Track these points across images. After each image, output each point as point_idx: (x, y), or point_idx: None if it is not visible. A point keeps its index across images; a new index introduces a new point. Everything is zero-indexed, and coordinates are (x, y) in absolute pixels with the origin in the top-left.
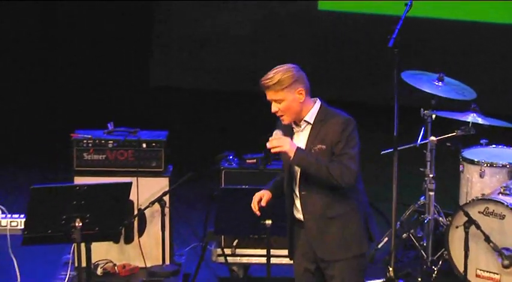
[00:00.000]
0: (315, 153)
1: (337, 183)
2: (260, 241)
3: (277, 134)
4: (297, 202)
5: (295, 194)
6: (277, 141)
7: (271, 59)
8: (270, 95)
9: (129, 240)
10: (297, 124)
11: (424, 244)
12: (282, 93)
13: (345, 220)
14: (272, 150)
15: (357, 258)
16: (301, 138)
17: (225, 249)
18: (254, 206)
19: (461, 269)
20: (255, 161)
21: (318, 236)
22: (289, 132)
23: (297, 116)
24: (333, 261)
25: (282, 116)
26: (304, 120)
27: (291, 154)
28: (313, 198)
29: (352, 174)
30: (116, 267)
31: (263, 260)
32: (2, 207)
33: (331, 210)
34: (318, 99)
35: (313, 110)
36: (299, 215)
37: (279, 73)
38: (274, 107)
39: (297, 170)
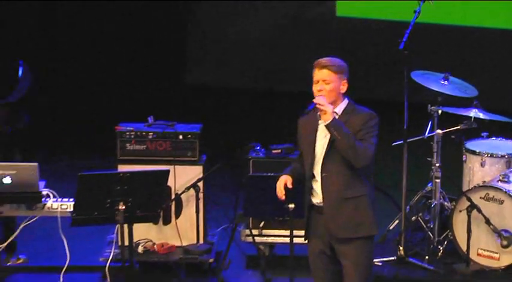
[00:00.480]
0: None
1: (355, 158)
2: (284, 223)
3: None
4: (316, 186)
5: (315, 177)
6: (324, 102)
7: (293, 61)
8: (322, 74)
9: (167, 221)
10: (320, 105)
11: (431, 226)
12: (334, 76)
13: (358, 202)
14: (317, 106)
15: (366, 239)
16: (325, 131)
17: (252, 230)
18: (281, 191)
19: (464, 248)
20: (279, 151)
21: (334, 215)
22: (313, 124)
23: (332, 101)
24: (345, 240)
25: (322, 95)
26: (333, 111)
27: (330, 117)
28: (332, 180)
29: (368, 156)
30: (155, 246)
31: (287, 239)
32: (53, 192)
33: (347, 192)
34: (346, 98)
35: (341, 105)
36: (316, 199)
37: (337, 60)
38: (320, 86)
39: (320, 154)
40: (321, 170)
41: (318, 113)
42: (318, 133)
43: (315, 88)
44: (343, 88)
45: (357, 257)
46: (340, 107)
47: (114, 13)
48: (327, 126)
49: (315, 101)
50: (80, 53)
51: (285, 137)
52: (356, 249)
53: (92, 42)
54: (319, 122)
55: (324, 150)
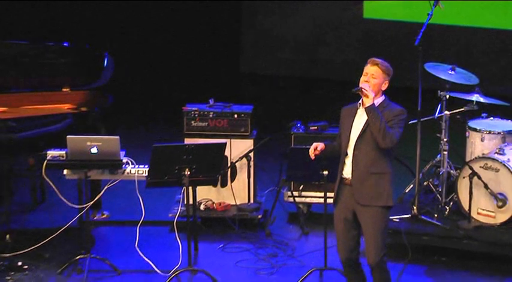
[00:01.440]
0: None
1: (382, 140)
2: (319, 186)
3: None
4: (347, 162)
5: (348, 155)
6: (368, 89)
7: (329, 54)
8: (371, 70)
9: (224, 184)
10: (365, 91)
11: (440, 190)
12: (381, 74)
13: (380, 177)
14: (362, 90)
15: (384, 208)
16: (364, 117)
17: (293, 192)
18: (311, 152)
19: (466, 208)
20: (316, 127)
21: (359, 186)
22: (352, 113)
23: (374, 90)
24: (366, 207)
25: (368, 82)
26: (373, 98)
27: (371, 101)
28: (361, 157)
29: (393, 140)
30: (214, 204)
31: (321, 200)
32: (131, 160)
33: (372, 168)
34: (384, 95)
35: (379, 99)
36: (346, 173)
37: (387, 63)
38: (367, 78)
39: (354, 136)
40: (354, 148)
41: (359, 102)
42: (355, 119)
43: (363, 79)
44: (384, 86)
45: (374, 222)
46: (378, 101)
47: (183, 12)
48: (366, 108)
49: (361, 85)
50: (155, 46)
51: (320, 116)
52: (374, 216)
53: (164, 37)
54: (358, 110)
55: (358, 133)
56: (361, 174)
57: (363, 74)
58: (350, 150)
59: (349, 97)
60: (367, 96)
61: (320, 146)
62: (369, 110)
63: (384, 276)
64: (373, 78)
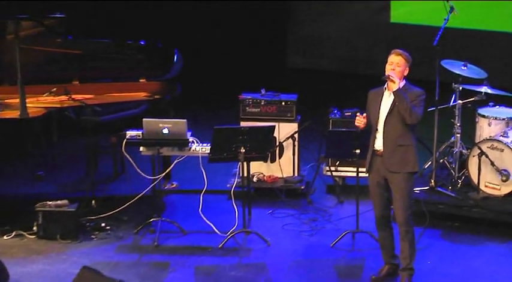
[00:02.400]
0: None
1: (409, 117)
2: (352, 162)
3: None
4: (378, 136)
5: (378, 130)
6: (395, 76)
7: (359, 52)
8: (396, 59)
9: (273, 160)
10: (392, 78)
11: (453, 166)
12: (404, 62)
13: (406, 148)
14: (389, 76)
15: (410, 174)
16: (391, 98)
17: (331, 167)
18: (360, 121)
19: (475, 182)
20: (350, 113)
21: (390, 156)
22: (379, 95)
23: (392, 85)
24: (396, 173)
25: (394, 70)
26: (391, 89)
27: (396, 86)
28: (390, 132)
29: (418, 116)
30: (264, 177)
31: (354, 174)
32: (196, 139)
33: (400, 140)
34: (405, 79)
35: (401, 83)
36: (377, 145)
37: (408, 53)
38: (393, 66)
39: (383, 114)
40: (384, 125)
41: (385, 87)
42: (383, 101)
43: (389, 67)
44: (406, 72)
45: (402, 185)
46: (401, 84)
47: (237, 12)
48: (394, 92)
49: (388, 73)
50: (214, 44)
51: (353, 104)
52: (402, 180)
53: (222, 36)
54: (384, 93)
55: (387, 112)
56: (390, 146)
57: (388, 62)
58: (380, 127)
59: (377, 86)
60: (393, 82)
61: (363, 117)
62: (396, 93)
63: (410, 232)
64: (398, 67)
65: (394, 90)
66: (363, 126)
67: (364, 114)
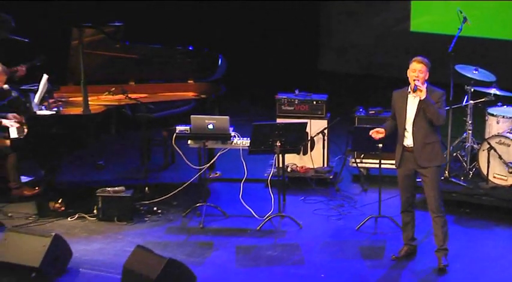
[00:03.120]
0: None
1: (436, 120)
2: (376, 155)
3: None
4: (407, 135)
5: (407, 129)
6: (421, 85)
7: (383, 58)
8: (418, 66)
9: (305, 153)
10: (419, 87)
11: (465, 159)
12: (425, 69)
13: (433, 145)
14: (418, 87)
15: (438, 167)
16: (414, 102)
17: (356, 159)
18: (375, 133)
19: (485, 173)
20: (374, 111)
21: (419, 152)
22: (403, 96)
23: (422, 83)
24: (426, 168)
25: (419, 80)
26: (416, 92)
27: (424, 94)
28: (419, 131)
29: (444, 118)
30: (297, 167)
31: (377, 165)
32: (237, 134)
33: (427, 138)
34: (426, 82)
35: (424, 86)
36: (408, 143)
37: (427, 60)
38: (416, 74)
39: (410, 115)
40: (412, 125)
41: (408, 90)
42: (408, 103)
43: (412, 75)
44: (426, 77)
45: (433, 178)
46: (425, 86)
47: (277, 23)
48: (422, 100)
49: (416, 84)
50: (252, 48)
51: (377, 103)
52: (432, 173)
53: (259, 41)
54: (409, 95)
55: (414, 114)
56: (419, 145)
57: (411, 70)
58: (409, 127)
59: (399, 87)
60: (421, 91)
61: (381, 131)
62: (425, 101)
63: (442, 217)
64: (420, 73)
65: (423, 98)
66: (381, 137)
67: (383, 129)
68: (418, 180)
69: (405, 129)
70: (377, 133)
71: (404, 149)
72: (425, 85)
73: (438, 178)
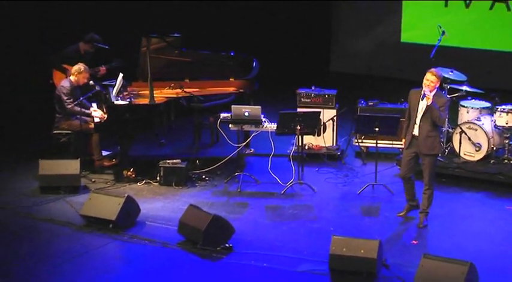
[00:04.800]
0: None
1: (438, 121)
2: (373, 137)
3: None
4: (416, 127)
5: (417, 123)
6: (429, 93)
7: (380, 62)
8: (430, 77)
9: (319, 135)
10: (427, 95)
11: (443, 140)
12: (435, 79)
13: (433, 138)
14: (426, 94)
15: (436, 155)
16: (424, 102)
17: (358, 140)
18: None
19: (458, 151)
20: (372, 103)
21: (422, 142)
22: (418, 96)
23: (432, 91)
24: (426, 155)
25: (429, 85)
26: (429, 95)
27: (431, 101)
28: (423, 126)
29: (443, 121)
30: (313, 146)
31: (374, 144)
32: (267, 119)
33: (430, 132)
34: (437, 88)
35: (434, 91)
36: (416, 132)
37: (440, 72)
38: (428, 82)
39: (420, 113)
40: (420, 120)
41: (421, 95)
42: (420, 103)
43: (426, 82)
44: (438, 84)
45: (430, 162)
46: (433, 92)
47: (297, 32)
48: (429, 105)
49: (425, 92)
50: (278, 53)
51: (375, 97)
52: (430, 159)
53: (284, 46)
54: (421, 97)
55: (422, 113)
56: (423, 136)
57: (425, 78)
58: (418, 121)
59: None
60: (428, 98)
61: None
62: (430, 107)
63: (430, 189)
64: (431, 83)
65: (428, 104)
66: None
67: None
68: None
69: (415, 121)
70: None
71: (414, 136)
72: (435, 91)
73: (434, 162)
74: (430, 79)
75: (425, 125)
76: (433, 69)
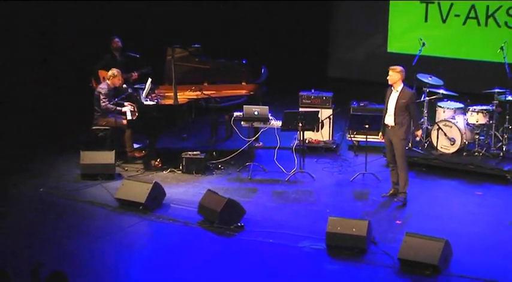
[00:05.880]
0: (402, 104)
1: (415, 123)
2: (364, 132)
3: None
4: (389, 117)
5: (389, 114)
6: (418, 136)
7: (370, 68)
8: (390, 72)
9: (317, 131)
10: (395, 89)
11: (423, 135)
12: (394, 73)
13: (405, 127)
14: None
15: (404, 140)
16: (394, 96)
17: (351, 135)
18: (381, 137)
19: (435, 145)
20: (363, 104)
21: (394, 130)
22: (389, 92)
23: (395, 86)
24: (398, 139)
25: (390, 79)
26: (397, 90)
27: (420, 136)
28: (396, 117)
29: (417, 115)
30: (312, 140)
31: (364, 139)
32: (273, 117)
33: (401, 121)
34: (403, 83)
35: (400, 87)
36: (388, 121)
37: (400, 67)
38: (389, 77)
39: (391, 105)
40: (393, 113)
41: (392, 88)
42: (391, 96)
43: (388, 78)
44: (401, 78)
45: (401, 144)
46: (400, 87)
47: (299, 43)
48: (416, 127)
49: (417, 137)
50: (282, 61)
51: (365, 98)
52: (401, 142)
53: (287, 55)
54: (393, 91)
55: (394, 105)
56: (395, 124)
57: (388, 74)
58: (390, 112)
59: (383, 90)
60: (417, 136)
61: (381, 134)
62: (416, 127)
63: (403, 170)
64: (390, 76)
65: (417, 125)
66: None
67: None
68: None
69: (388, 113)
70: (381, 138)
71: (386, 125)
72: (402, 85)
73: (404, 145)
74: (389, 73)
75: (397, 115)
76: (393, 66)
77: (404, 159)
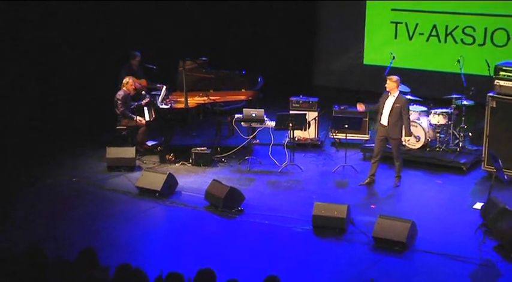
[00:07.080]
0: (396, 107)
1: (408, 129)
2: (344, 131)
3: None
4: (384, 117)
5: (385, 115)
6: (389, 89)
7: (351, 77)
8: (388, 82)
9: (305, 129)
10: (391, 95)
11: None
12: (390, 82)
13: (399, 126)
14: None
15: (400, 139)
16: (391, 100)
17: (333, 133)
18: (359, 106)
19: (405, 143)
20: (343, 108)
21: (390, 129)
22: (385, 97)
23: (392, 92)
24: (394, 139)
25: (387, 87)
26: (393, 95)
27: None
28: (391, 119)
29: (408, 121)
30: (301, 137)
31: (344, 136)
32: (268, 118)
33: (395, 122)
34: (398, 90)
35: (396, 93)
36: (383, 121)
37: (396, 77)
38: (386, 85)
39: (386, 109)
40: (388, 116)
41: (388, 93)
42: (387, 101)
43: (386, 86)
44: (396, 85)
45: (397, 143)
46: (395, 94)
47: (289, 54)
48: (408, 134)
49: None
50: (272, 71)
51: (345, 102)
52: (397, 141)
53: (276, 66)
54: (389, 97)
55: (389, 110)
56: (391, 125)
57: (386, 84)
58: (385, 115)
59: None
60: (390, 93)
61: (362, 105)
62: (408, 133)
63: (399, 160)
64: (388, 85)
65: (409, 133)
66: (363, 109)
67: (361, 104)
68: (388, 146)
69: (383, 114)
70: (360, 106)
71: (382, 125)
72: (398, 93)
73: (399, 144)
74: (388, 83)
75: (392, 118)
76: (390, 76)
77: (399, 152)
